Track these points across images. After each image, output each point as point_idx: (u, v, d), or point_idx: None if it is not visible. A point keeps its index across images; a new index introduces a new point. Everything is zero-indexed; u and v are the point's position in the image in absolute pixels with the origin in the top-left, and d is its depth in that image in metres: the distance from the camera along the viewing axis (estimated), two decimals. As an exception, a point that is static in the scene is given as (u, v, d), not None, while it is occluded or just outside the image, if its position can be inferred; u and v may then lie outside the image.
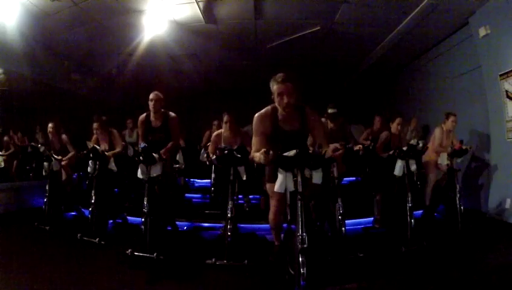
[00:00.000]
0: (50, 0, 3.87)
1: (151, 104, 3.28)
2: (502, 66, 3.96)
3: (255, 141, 2.24)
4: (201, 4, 4.20)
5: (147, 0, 4.12)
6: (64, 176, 4.28)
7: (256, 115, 2.27)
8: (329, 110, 3.57)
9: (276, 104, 2.20)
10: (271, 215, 2.54)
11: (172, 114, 3.38)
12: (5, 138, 5.07)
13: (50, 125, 4.35)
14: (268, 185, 2.48)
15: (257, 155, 2.00)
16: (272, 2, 4.27)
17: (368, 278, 2.46)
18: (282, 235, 2.70)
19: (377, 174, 4.18)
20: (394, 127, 3.99)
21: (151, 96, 3.29)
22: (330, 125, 3.50)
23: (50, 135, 4.36)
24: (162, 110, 3.37)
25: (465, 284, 2.36)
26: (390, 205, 3.74)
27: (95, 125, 4.06)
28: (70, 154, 4.29)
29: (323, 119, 3.44)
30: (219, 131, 3.70)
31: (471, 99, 4.72)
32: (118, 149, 3.96)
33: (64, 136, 4.34)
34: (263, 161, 1.91)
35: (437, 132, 4.13)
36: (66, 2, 3.97)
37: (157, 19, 4.49)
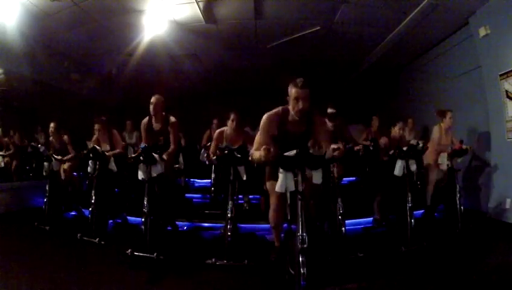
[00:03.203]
0: (50, 0, 3.87)
1: (151, 107, 3.30)
2: (502, 66, 3.96)
3: (259, 139, 2.27)
4: (201, 4, 4.20)
5: (147, 0, 4.12)
6: (63, 176, 4.28)
7: (266, 114, 2.30)
8: (329, 110, 3.59)
9: (290, 107, 2.21)
10: (271, 213, 2.54)
11: (172, 118, 3.40)
12: (5, 139, 5.06)
13: (52, 125, 4.36)
14: (268, 183, 2.48)
15: (257, 153, 2.00)
16: (272, 2, 4.27)
17: (368, 278, 2.46)
18: (282, 235, 2.70)
19: (378, 175, 4.19)
20: (395, 131, 4.05)
21: (152, 99, 3.31)
22: (328, 124, 3.51)
23: (51, 135, 4.36)
24: (163, 113, 3.39)
25: (465, 284, 2.36)
26: (390, 205, 3.74)
27: (96, 126, 4.06)
28: (69, 155, 4.28)
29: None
30: (222, 129, 3.67)
31: (471, 99, 4.72)
32: (118, 150, 3.96)
33: (65, 137, 4.34)
34: (263, 157, 1.91)
35: (436, 131, 4.15)
36: (66, 2, 3.96)
37: (157, 19, 4.48)
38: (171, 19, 4.58)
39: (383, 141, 4.05)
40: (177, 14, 4.46)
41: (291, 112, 2.23)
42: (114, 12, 4.36)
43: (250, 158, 3.25)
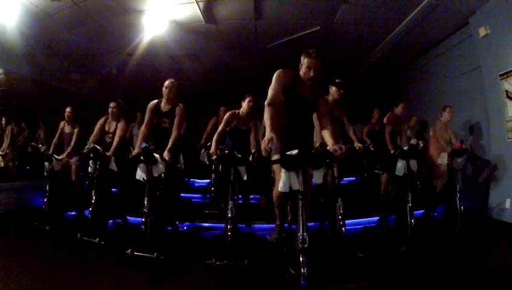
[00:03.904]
0: (50, 0, 3.87)
1: (165, 91, 3.34)
2: (502, 66, 3.96)
3: (271, 88, 2.35)
4: (201, 4, 4.21)
5: (147, 0, 4.12)
6: (73, 177, 4.31)
7: (281, 69, 2.44)
8: (337, 80, 3.70)
9: (302, 74, 2.37)
10: (275, 191, 2.52)
11: (181, 105, 3.43)
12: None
13: (68, 109, 4.40)
14: (275, 166, 2.48)
15: (267, 115, 2.12)
16: (272, 2, 4.28)
17: (368, 278, 2.46)
18: (283, 233, 2.70)
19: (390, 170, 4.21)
20: (399, 110, 4.25)
21: (166, 83, 3.36)
22: (336, 94, 3.64)
23: (66, 119, 4.41)
24: (174, 98, 3.41)
25: (465, 284, 2.36)
26: (390, 205, 3.74)
27: (111, 104, 4.07)
28: (68, 149, 4.29)
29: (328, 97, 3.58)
30: (234, 111, 3.70)
31: (471, 99, 4.72)
32: (117, 139, 3.91)
33: (76, 129, 4.37)
34: (263, 150, 1.95)
35: (437, 123, 4.29)
36: (66, 2, 3.97)
37: (157, 19, 4.49)
38: (171, 19, 4.58)
39: (389, 117, 4.25)
40: (177, 14, 4.46)
41: (302, 78, 2.38)
42: (114, 12, 4.36)
43: (250, 159, 3.27)
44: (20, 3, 3.93)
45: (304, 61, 2.35)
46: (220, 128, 3.63)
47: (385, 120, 4.35)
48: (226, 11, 4.48)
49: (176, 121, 3.34)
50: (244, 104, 3.69)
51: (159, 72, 6.55)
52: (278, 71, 2.42)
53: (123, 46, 5.28)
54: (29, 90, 5.33)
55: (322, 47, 5.62)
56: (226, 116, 3.67)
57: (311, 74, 2.33)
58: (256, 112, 3.68)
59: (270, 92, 2.32)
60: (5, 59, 4.75)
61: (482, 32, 4.15)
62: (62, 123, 4.47)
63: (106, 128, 4.06)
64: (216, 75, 7.18)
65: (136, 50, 5.29)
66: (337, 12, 4.42)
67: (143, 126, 3.42)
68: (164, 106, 3.41)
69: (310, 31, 4.98)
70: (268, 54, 5.89)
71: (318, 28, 4.90)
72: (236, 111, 3.70)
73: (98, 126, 4.09)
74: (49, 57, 5.41)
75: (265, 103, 2.27)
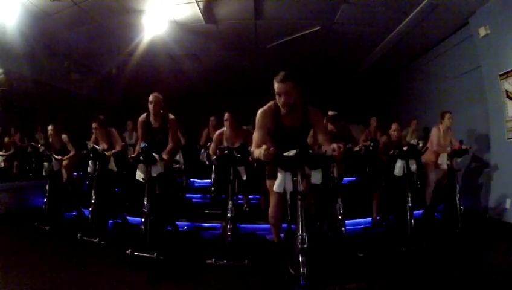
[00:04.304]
0: (50, 0, 3.88)
1: (150, 106, 3.27)
2: (502, 66, 3.96)
3: (256, 135, 2.26)
4: (201, 4, 4.21)
5: (147, 0, 4.12)
6: (64, 176, 4.28)
7: (260, 110, 2.29)
8: (330, 113, 3.56)
9: (277, 102, 2.22)
10: (270, 211, 2.53)
11: (171, 116, 3.38)
12: (6, 139, 5.07)
13: (50, 127, 4.36)
14: (268, 182, 2.47)
15: (257, 151, 2.01)
16: (272, 2, 4.28)
17: (367, 278, 2.46)
18: (282, 235, 2.70)
19: (377, 175, 4.18)
20: (391, 133, 4.01)
21: (151, 98, 3.27)
22: (330, 127, 3.52)
23: (50, 137, 4.38)
24: (162, 111, 3.36)
25: (465, 284, 2.36)
26: (390, 205, 3.74)
27: (94, 125, 4.07)
28: (70, 154, 4.29)
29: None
30: (221, 130, 3.70)
31: (471, 99, 4.72)
32: (117, 148, 3.96)
33: (64, 136, 4.35)
34: (263, 157, 1.90)
35: (434, 132, 4.15)
36: (66, 2, 3.97)
37: (157, 19, 4.49)
38: (171, 19, 4.58)
39: (383, 139, 4.05)
40: (177, 14, 4.46)
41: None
42: (114, 12, 4.36)
43: (250, 158, 3.27)
44: (20, 3, 3.94)
45: (274, 87, 2.17)
46: (211, 148, 3.64)
47: (381, 143, 4.11)
48: (226, 11, 4.49)
49: (170, 135, 3.32)
50: (225, 124, 3.64)
51: (159, 72, 6.57)
52: (258, 114, 2.27)
53: (123, 46, 5.28)
54: (29, 90, 5.34)
55: (322, 47, 5.64)
56: (214, 137, 3.69)
57: (282, 100, 2.15)
58: (240, 124, 3.66)
59: (255, 140, 2.22)
60: (5, 59, 4.76)
61: (482, 32, 4.15)
62: (50, 137, 4.39)
63: (101, 148, 3.96)
64: (216, 75, 7.18)
65: (136, 50, 5.29)
66: (337, 12, 4.42)
67: (139, 141, 3.39)
68: (154, 121, 3.35)
69: (310, 31, 4.98)
70: (268, 54, 5.89)
71: (318, 28, 4.90)
72: (224, 129, 3.66)
73: (92, 140, 4.08)
74: (49, 57, 5.42)
75: (252, 149, 2.18)
